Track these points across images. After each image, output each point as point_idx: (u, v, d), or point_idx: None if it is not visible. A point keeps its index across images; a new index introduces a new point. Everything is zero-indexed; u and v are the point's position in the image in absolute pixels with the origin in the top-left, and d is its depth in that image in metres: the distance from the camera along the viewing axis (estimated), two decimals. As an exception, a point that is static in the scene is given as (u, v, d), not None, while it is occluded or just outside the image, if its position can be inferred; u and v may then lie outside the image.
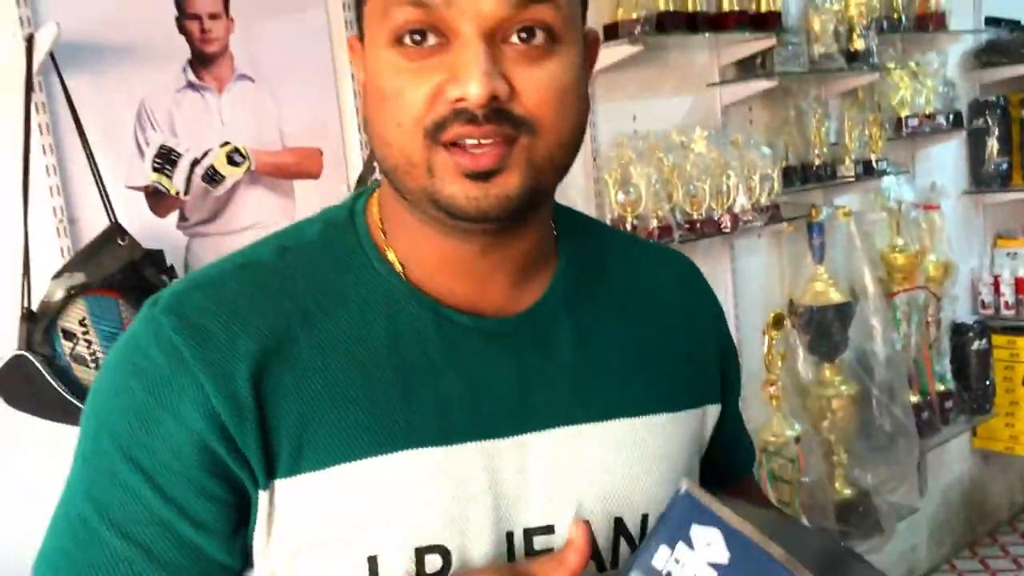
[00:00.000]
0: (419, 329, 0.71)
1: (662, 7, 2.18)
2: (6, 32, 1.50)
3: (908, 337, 3.01)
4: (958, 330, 3.29)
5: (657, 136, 2.36)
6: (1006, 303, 3.43)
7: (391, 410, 0.69)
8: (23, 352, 1.40)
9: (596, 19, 2.28)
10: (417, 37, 0.62)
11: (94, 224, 1.57)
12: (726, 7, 2.32)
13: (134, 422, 0.67)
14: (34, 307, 1.43)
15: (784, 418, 2.59)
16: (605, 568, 0.75)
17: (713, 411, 0.86)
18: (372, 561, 0.68)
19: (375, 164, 1.68)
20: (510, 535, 0.71)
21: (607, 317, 0.79)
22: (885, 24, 2.79)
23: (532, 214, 0.70)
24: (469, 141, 0.63)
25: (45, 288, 1.45)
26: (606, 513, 0.74)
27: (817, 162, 2.65)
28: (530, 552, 0.72)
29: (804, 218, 2.62)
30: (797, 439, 2.58)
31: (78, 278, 1.46)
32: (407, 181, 0.65)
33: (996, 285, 3.45)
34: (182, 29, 1.68)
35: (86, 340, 1.41)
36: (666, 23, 2.16)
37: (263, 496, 0.67)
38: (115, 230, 1.52)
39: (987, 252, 3.53)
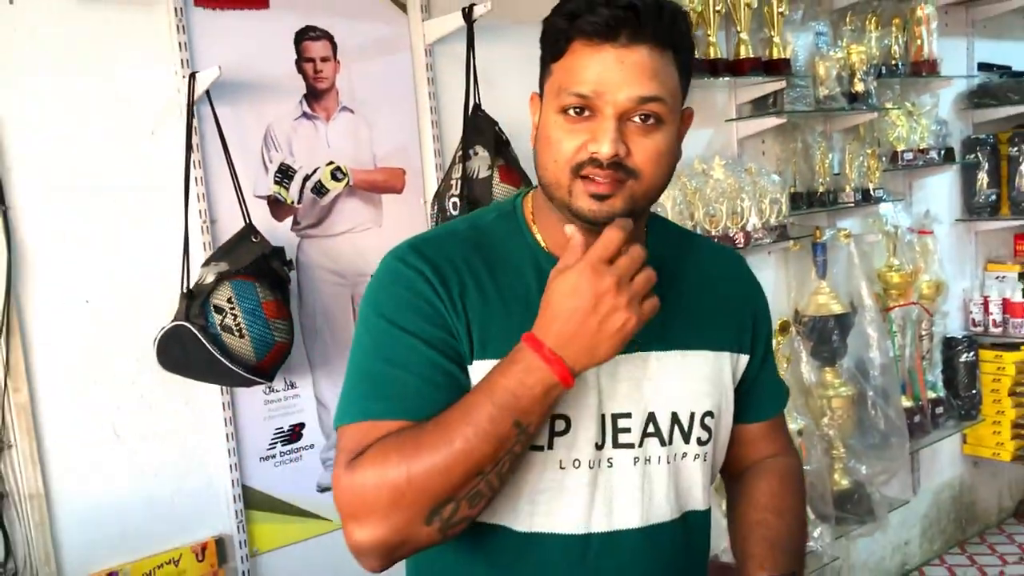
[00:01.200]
0: None
1: (688, 54, 2.57)
2: (170, 71, 1.90)
3: (903, 348, 3.36)
4: (949, 344, 3.64)
5: (682, 163, 2.73)
6: (994, 321, 3.77)
7: None
8: (183, 322, 1.78)
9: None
10: (577, 111, 1.01)
11: (228, 225, 1.96)
12: (742, 54, 2.70)
13: (401, 307, 1.05)
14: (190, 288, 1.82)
15: (788, 414, 2.94)
16: (665, 444, 1.12)
17: (744, 359, 1.21)
18: None
19: (450, 183, 2.06)
20: (603, 416, 1.09)
21: (675, 285, 1.16)
22: (884, 69, 3.16)
23: (636, 220, 1.06)
24: (596, 177, 1.01)
25: (196, 273, 1.84)
26: (666, 408, 1.12)
27: (821, 189, 3.01)
28: (615, 427, 1.09)
29: (809, 238, 2.99)
30: (800, 432, 2.93)
31: (223, 266, 1.84)
32: (555, 194, 1.04)
33: (986, 305, 3.80)
34: (300, 70, 2.08)
35: (232, 314, 1.79)
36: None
37: (471, 367, 1.05)
38: (250, 229, 1.91)
39: (978, 275, 3.88)
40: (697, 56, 2.57)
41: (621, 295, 0.94)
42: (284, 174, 2.07)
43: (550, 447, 1.06)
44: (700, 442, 1.14)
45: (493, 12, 2.21)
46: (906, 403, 3.36)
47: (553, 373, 0.94)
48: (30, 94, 1.76)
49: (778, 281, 3.13)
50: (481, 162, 2.10)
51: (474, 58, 2.16)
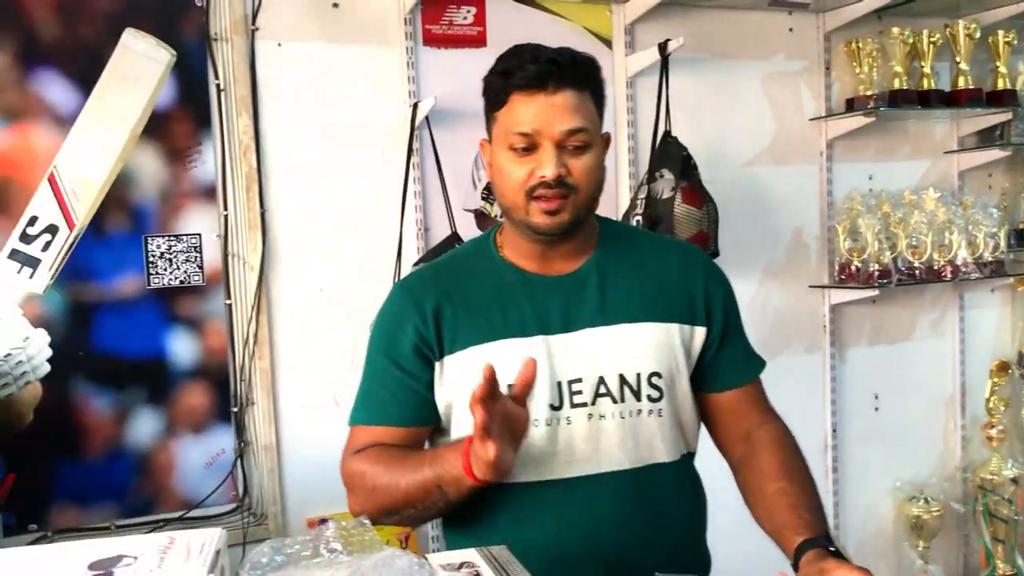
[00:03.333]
0: (512, 283, 1.34)
1: (896, 85, 2.58)
2: (400, 100, 2.25)
3: None
4: None
5: (890, 194, 2.73)
6: None
7: (497, 323, 1.32)
8: (392, 311, 2.10)
9: (840, 94, 2.72)
10: (522, 147, 1.26)
11: (439, 232, 2.27)
12: (961, 84, 2.65)
13: (385, 340, 1.36)
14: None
15: (1002, 459, 2.81)
16: (617, 401, 1.31)
17: (700, 330, 1.38)
18: None
19: (636, 203, 2.24)
20: (559, 383, 1.30)
21: (618, 273, 1.36)
22: None
23: (576, 231, 1.32)
24: (546, 195, 1.25)
25: (408, 270, 2.16)
26: (614, 371, 1.32)
27: (1056, 226, 2.86)
28: (571, 391, 1.30)
29: (1032, 276, 2.85)
30: (1015, 480, 2.79)
31: (428, 267, 2.15)
32: (513, 216, 1.31)
33: None
34: (510, 100, 2.36)
35: (431, 307, 2.09)
36: (898, 99, 2.55)
37: (438, 365, 1.32)
38: (454, 236, 2.21)
39: None
40: (908, 87, 2.58)
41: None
42: (490, 191, 2.35)
43: None
44: (651, 399, 1.32)
45: (690, 47, 2.38)
46: None
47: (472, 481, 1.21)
48: (286, 118, 2.17)
49: (1002, 319, 2.99)
50: (665, 184, 2.26)
51: (667, 88, 2.34)
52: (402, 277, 1.45)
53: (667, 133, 2.35)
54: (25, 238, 1.97)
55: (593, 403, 1.31)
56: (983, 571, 2.85)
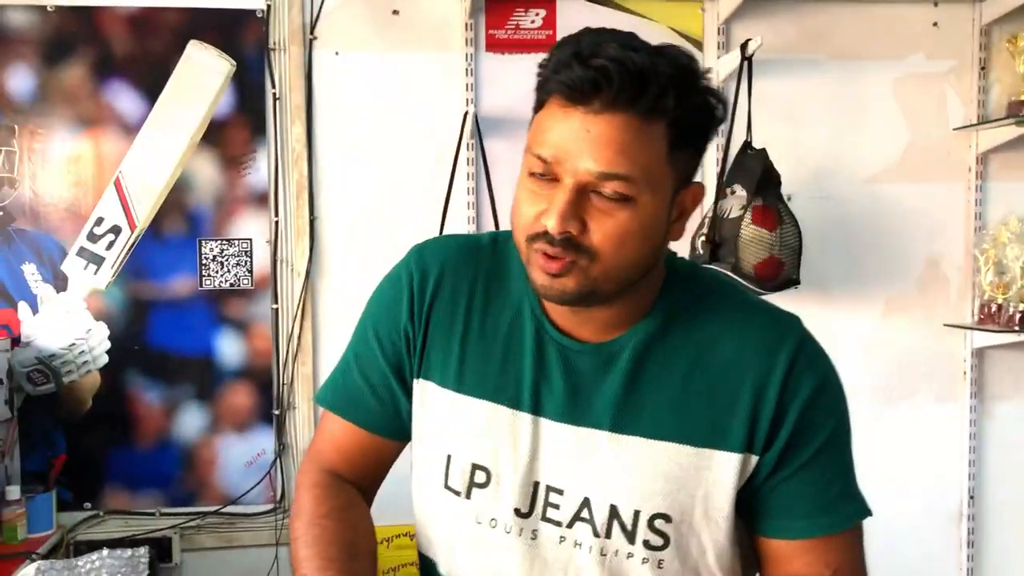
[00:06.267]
0: (526, 330, 1.00)
1: (1068, 88, 2.12)
2: (457, 109, 2.17)
3: None
4: None
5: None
6: None
7: (489, 373, 1.00)
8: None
9: (998, 100, 2.29)
10: (539, 174, 0.89)
11: (495, 246, 2.17)
12: None
13: (381, 311, 1.06)
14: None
15: None
16: (599, 536, 0.96)
17: (755, 458, 0.96)
18: (448, 458, 1.00)
19: (702, 221, 2.00)
20: (536, 484, 0.97)
21: (664, 361, 0.97)
22: None
23: (596, 302, 0.93)
24: (546, 252, 0.89)
25: (447, 285, 2.09)
26: (604, 499, 0.96)
27: None
28: (547, 500, 0.98)
29: None
30: None
31: (468, 281, 2.06)
32: (522, 259, 0.94)
33: None
34: (579, 107, 2.21)
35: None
36: (1065, 105, 2.10)
37: (415, 383, 1.03)
38: (500, 251, 2.10)
39: None
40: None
41: None
42: (554, 203, 2.21)
43: (467, 497, 1.00)
44: (650, 546, 0.96)
45: (802, 47, 2.18)
46: None
47: None
48: (340, 126, 2.17)
49: None
50: (735, 201, 2.01)
51: (749, 94, 2.07)
52: (422, 241, 1.11)
53: (747, 144, 2.08)
54: (92, 237, 2.13)
55: (569, 526, 0.98)
56: None
